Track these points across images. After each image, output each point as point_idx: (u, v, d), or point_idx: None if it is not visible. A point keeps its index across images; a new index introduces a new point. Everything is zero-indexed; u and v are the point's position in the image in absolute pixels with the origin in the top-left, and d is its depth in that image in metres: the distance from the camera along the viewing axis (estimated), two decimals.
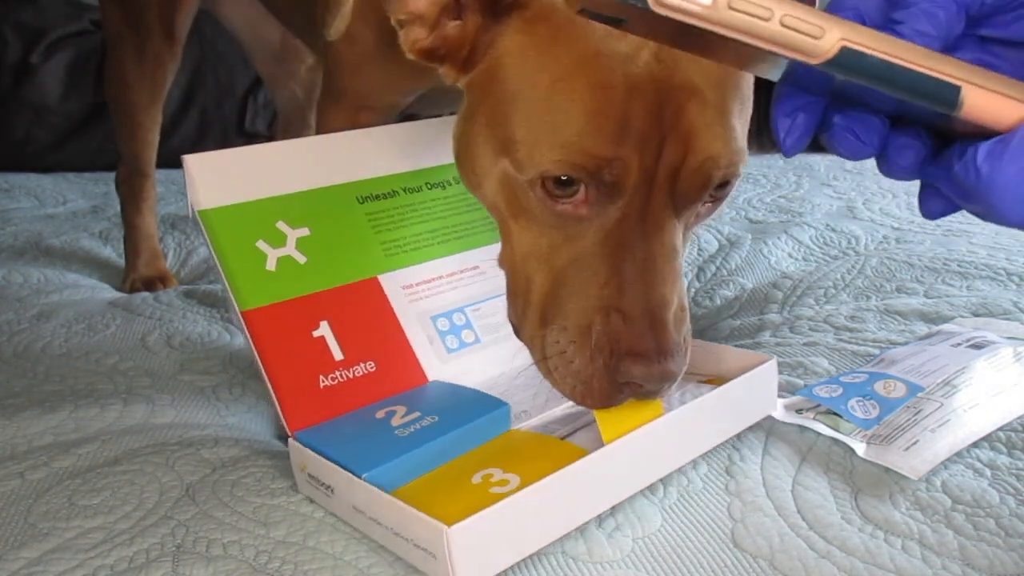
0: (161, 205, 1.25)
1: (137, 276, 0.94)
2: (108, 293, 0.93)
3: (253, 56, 1.10)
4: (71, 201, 1.34)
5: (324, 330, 0.47)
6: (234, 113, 1.60)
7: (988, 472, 0.46)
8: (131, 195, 0.98)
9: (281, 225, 0.49)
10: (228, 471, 0.50)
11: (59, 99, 1.54)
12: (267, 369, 0.46)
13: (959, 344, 0.57)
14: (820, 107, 0.33)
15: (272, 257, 0.48)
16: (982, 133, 0.29)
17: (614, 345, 0.40)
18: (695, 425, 0.46)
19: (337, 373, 0.47)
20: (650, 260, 0.41)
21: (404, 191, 0.54)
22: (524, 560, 0.41)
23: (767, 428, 0.52)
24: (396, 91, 0.62)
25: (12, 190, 1.38)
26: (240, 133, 1.61)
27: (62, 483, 0.49)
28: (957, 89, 0.28)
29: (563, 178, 0.40)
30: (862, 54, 0.27)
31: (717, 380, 0.51)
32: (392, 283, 0.51)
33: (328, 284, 0.49)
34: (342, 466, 0.42)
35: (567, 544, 0.42)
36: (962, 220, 0.96)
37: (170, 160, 1.58)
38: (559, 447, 0.45)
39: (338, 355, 0.48)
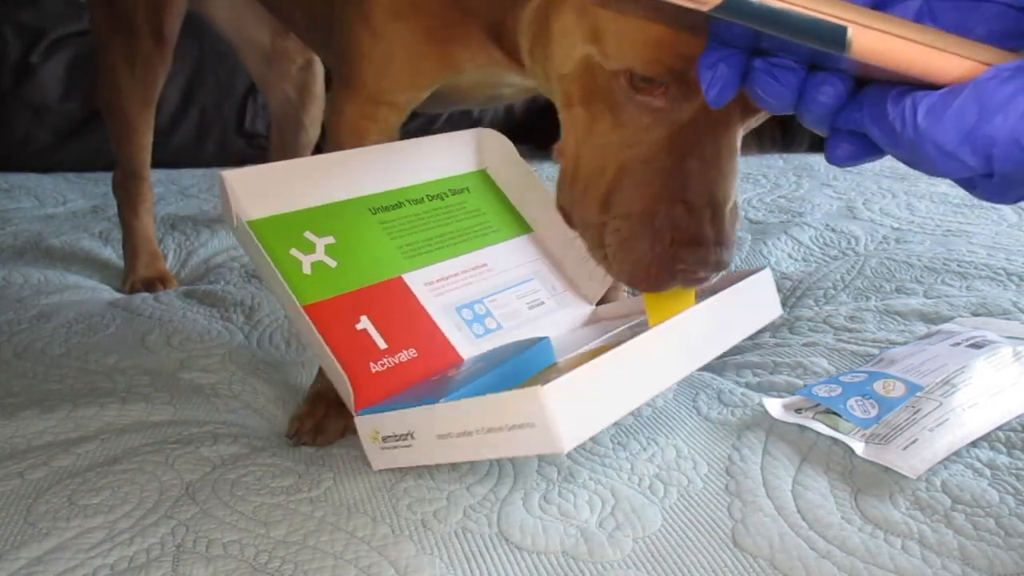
0: (161, 205, 1.25)
1: (137, 278, 0.94)
2: (108, 294, 0.93)
3: (243, 57, 1.09)
4: (71, 201, 1.33)
5: (365, 323, 0.51)
6: (234, 113, 1.60)
7: (988, 472, 0.46)
8: (127, 198, 0.99)
9: (308, 235, 0.53)
10: (228, 469, 0.50)
11: (59, 99, 1.54)
12: (336, 354, 0.49)
13: (959, 344, 0.57)
14: (741, 59, 0.34)
15: (306, 263, 0.52)
16: (902, 80, 0.30)
17: (675, 233, 0.43)
18: (726, 314, 0.51)
19: (385, 360, 0.51)
20: (715, 157, 0.43)
21: (408, 203, 0.59)
22: (525, 559, 0.41)
23: (767, 428, 0.52)
24: (417, 86, 0.63)
25: (12, 190, 1.38)
26: (240, 133, 1.61)
27: (62, 482, 0.49)
28: (843, 29, 0.29)
29: None
30: (746, 0, 0.29)
31: None
32: (415, 281, 0.56)
33: (360, 284, 0.53)
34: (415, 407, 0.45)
35: (567, 544, 0.42)
36: (962, 220, 0.96)
37: (170, 160, 1.59)
38: (604, 350, 0.48)
39: (382, 344, 0.51)
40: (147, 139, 0.97)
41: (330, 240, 0.53)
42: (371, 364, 0.50)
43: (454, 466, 0.49)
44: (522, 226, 0.63)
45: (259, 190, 0.52)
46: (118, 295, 0.91)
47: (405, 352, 0.51)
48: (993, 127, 0.27)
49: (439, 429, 0.44)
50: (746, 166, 1.40)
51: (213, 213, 1.23)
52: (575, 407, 0.39)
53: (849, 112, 0.33)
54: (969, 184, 0.31)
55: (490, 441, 0.42)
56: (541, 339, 0.51)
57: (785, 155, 1.49)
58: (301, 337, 0.51)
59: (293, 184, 0.54)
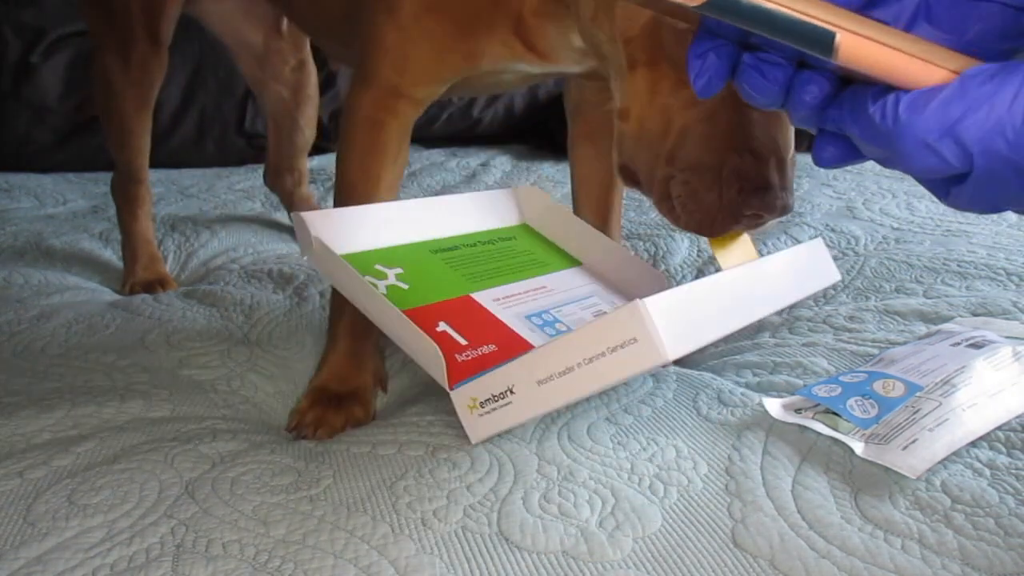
0: (161, 206, 1.25)
1: (136, 280, 0.94)
2: (108, 294, 0.93)
3: (237, 59, 1.09)
4: (71, 201, 1.33)
5: (444, 327, 0.54)
6: (234, 113, 1.60)
7: (987, 472, 0.46)
8: (126, 201, 0.99)
9: (379, 267, 0.57)
10: (227, 467, 0.50)
11: (59, 99, 1.54)
12: (432, 336, 0.51)
13: (959, 343, 0.57)
14: (731, 51, 0.34)
15: (381, 286, 0.55)
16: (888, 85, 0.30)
17: (743, 182, 0.46)
18: (794, 269, 0.55)
19: (468, 352, 0.53)
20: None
21: (464, 246, 0.63)
22: (525, 559, 0.41)
23: (767, 428, 0.52)
24: (439, 80, 0.65)
25: (12, 190, 1.38)
26: (240, 133, 1.61)
27: (61, 482, 0.49)
28: (832, 35, 0.29)
29: None
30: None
31: None
32: (484, 298, 0.58)
33: (433, 299, 0.56)
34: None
35: (567, 543, 0.42)
36: (962, 220, 0.96)
37: (170, 160, 1.59)
38: None
39: (463, 341, 0.54)
40: (144, 142, 0.97)
41: (399, 270, 0.57)
42: (456, 355, 0.52)
43: (454, 464, 0.49)
44: (572, 260, 0.67)
45: (330, 232, 0.56)
46: (118, 296, 0.91)
47: (486, 346, 0.54)
48: (977, 119, 0.27)
49: (539, 374, 0.45)
50: None
51: (213, 214, 1.23)
52: (674, 320, 0.42)
53: (832, 111, 0.32)
54: (942, 189, 0.31)
55: (593, 371, 0.43)
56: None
57: None
58: (390, 336, 0.54)
59: (358, 229, 0.58)
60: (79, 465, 0.51)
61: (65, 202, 1.33)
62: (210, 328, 0.76)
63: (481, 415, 0.49)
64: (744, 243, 0.51)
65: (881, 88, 0.30)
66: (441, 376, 0.50)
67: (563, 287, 0.63)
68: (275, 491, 0.47)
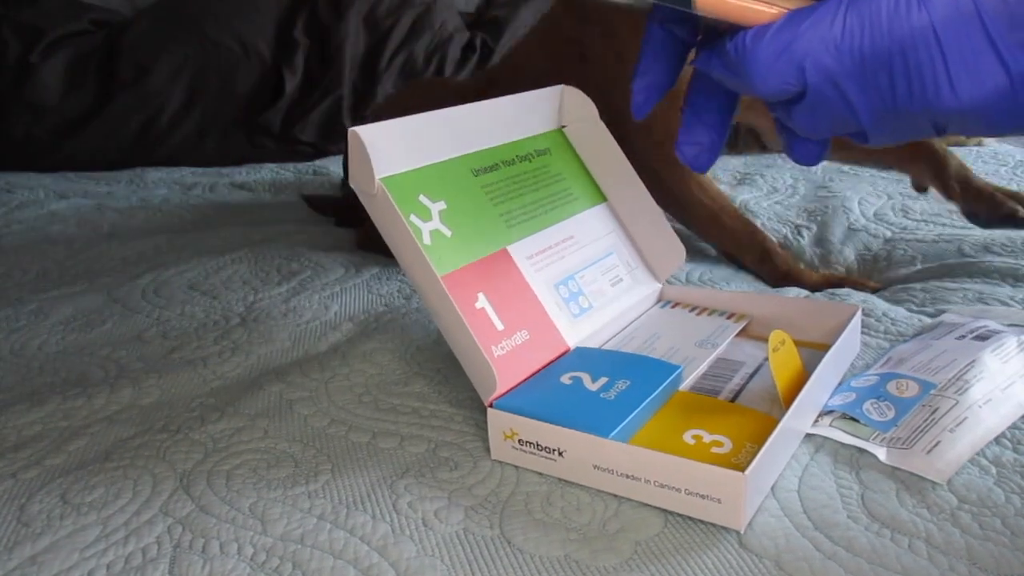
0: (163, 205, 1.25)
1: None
2: (107, 291, 0.92)
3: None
4: (71, 200, 1.33)
5: (483, 302, 0.52)
6: (234, 113, 1.60)
7: (993, 470, 0.45)
8: None
9: (423, 199, 0.53)
10: (221, 457, 0.50)
11: (59, 99, 1.53)
12: (472, 329, 0.49)
13: (964, 336, 0.56)
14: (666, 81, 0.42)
15: (425, 231, 0.52)
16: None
17: None
18: (828, 377, 0.53)
19: (504, 342, 0.52)
20: None
21: (503, 164, 0.60)
22: (528, 562, 0.41)
23: None
24: None
25: (12, 190, 1.37)
26: (246, 127, 1.61)
27: (54, 481, 0.49)
28: None
29: None
30: None
31: (812, 343, 0.57)
32: (518, 254, 0.57)
33: (473, 257, 0.54)
34: (577, 430, 0.46)
35: (569, 547, 0.41)
36: (957, 220, 0.95)
37: (170, 160, 1.58)
38: (741, 411, 0.51)
39: (499, 326, 0.52)
40: None
41: (442, 206, 0.54)
42: (493, 347, 0.51)
43: (456, 464, 0.49)
44: (598, 195, 0.65)
45: (383, 148, 0.51)
46: (117, 292, 0.90)
47: (519, 334, 0.53)
48: (804, 40, 0.33)
49: (601, 462, 0.45)
50: (744, 166, 1.39)
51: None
52: (755, 486, 0.42)
53: (712, 59, 0.38)
54: (786, 112, 0.36)
55: (658, 493, 0.43)
56: (676, 368, 0.53)
57: (785, 155, 1.48)
58: (431, 310, 0.51)
59: (406, 143, 0.53)
60: (71, 463, 0.51)
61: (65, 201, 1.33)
62: (207, 323, 0.75)
63: (514, 447, 0.48)
64: (791, 356, 0.51)
65: (734, 33, 0.36)
66: (485, 395, 0.49)
67: (588, 237, 0.62)
68: (272, 485, 0.47)
